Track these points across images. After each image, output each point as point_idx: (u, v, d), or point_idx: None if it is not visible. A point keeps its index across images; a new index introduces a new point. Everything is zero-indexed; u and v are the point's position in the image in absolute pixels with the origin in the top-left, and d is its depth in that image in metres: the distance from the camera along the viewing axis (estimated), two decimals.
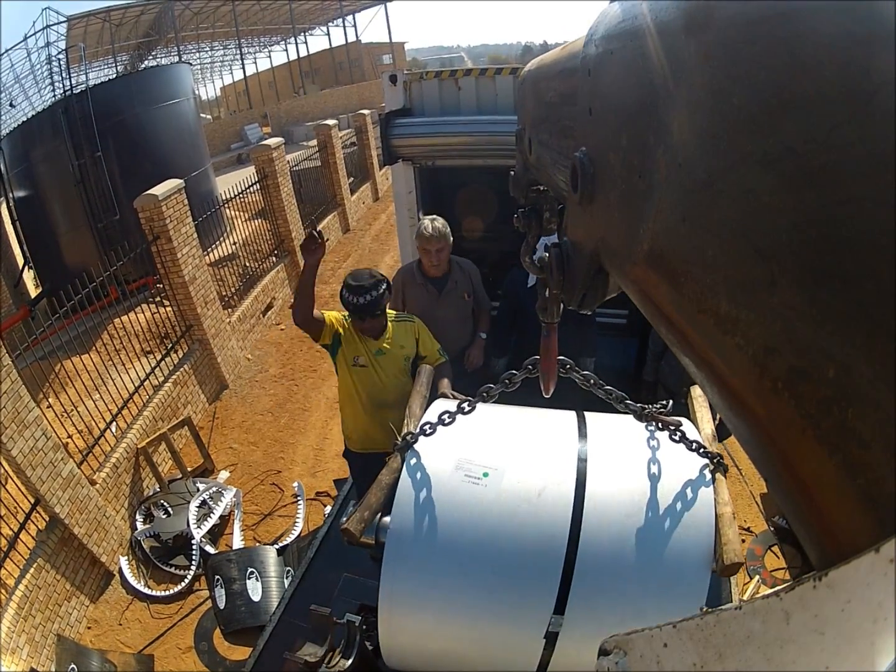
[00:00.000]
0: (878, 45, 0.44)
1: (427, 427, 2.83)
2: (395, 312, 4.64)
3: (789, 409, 0.56)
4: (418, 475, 2.73)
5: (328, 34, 52.95)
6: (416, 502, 2.65)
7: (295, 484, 7.75)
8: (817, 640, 0.50)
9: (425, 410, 3.28)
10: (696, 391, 3.43)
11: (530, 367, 2.67)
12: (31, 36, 26.66)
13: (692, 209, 0.68)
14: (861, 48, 0.46)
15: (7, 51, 26.98)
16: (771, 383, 0.58)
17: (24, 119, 17.58)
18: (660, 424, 2.78)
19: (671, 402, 2.97)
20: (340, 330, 4.42)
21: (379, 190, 21.37)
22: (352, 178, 19.07)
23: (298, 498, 7.51)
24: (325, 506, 7.42)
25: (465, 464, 2.73)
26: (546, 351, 2.31)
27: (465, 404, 2.81)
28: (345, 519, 2.66)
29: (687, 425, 2.90)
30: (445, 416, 2.81)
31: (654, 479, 2.62)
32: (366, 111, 20.99)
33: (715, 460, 2.67)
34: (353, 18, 52.77)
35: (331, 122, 17.65)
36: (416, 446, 2.83)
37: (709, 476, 2.62)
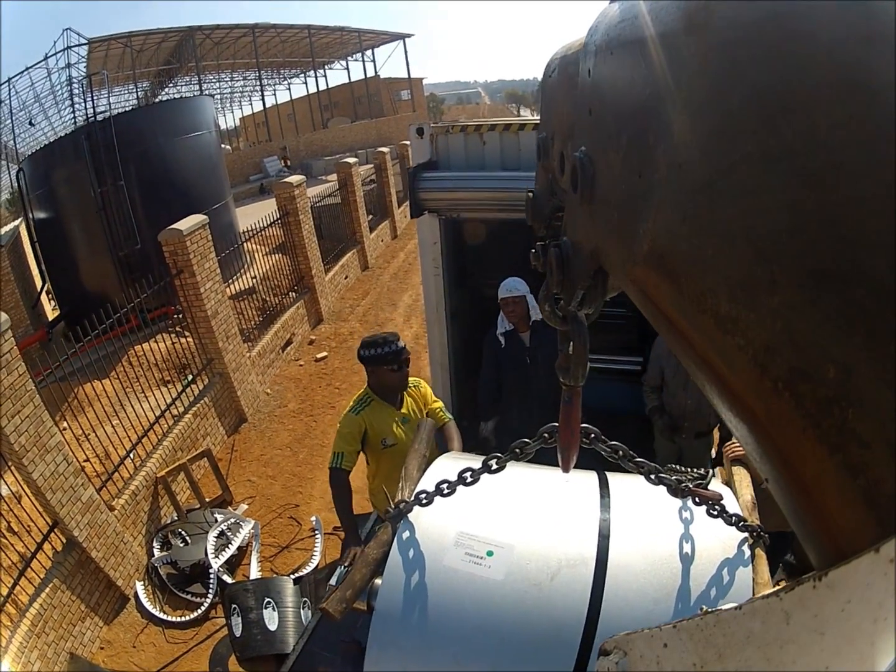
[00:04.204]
0: (879, 45, 0.45)
1: (423, 496, 2.49)
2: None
3: (789, 409, 0.57)
4: (411, 552, 2.43)
5: (347, 68, 53.60)
6: (407, 584, 2.36)
7: (313, 518, 7.76)
8: (817, 641, 0.51)
9: (424, 472, 2.93)
10: None
11: (546, 435, 2.25)
12: (51, 56, 26.82)
13: (692, 209, 0.69)
14: (861, 48, 0.47)
15: (27, 69, 27.14)
16: (771, 383, 0.59)
17: (44, 138, 17.74)
18: (698, 499, 2.38)
19: (711, 473, 2.64)
20: (364, 422, 4.37)
21: (397, 228, 21.45)
22: (371, 216, 19.12)
23: (316, 532, 7.53)
24: (342, 540, 7.26)
25: (467, 539, 2.42)
26: (567, 420, 1.86)
27: (467, 474, 2.44)
28: (324, 598, 2.44)
29: (726, 495, 2.57)
30: (444, 486, 2.47)
31: (687, 560, 2.28)
32: (385, 149, 21.18)
33: (755, 534, 2.35)
34: (373, 53, 53.47)
35: (351, 159, 17.72)
36: (410, 516, 2.54)
37: (748, 553, 2.32)
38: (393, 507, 2.57)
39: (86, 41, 28.17)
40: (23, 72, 27.03)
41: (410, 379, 4.53)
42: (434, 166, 5.74)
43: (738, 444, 2.78)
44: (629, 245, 0.83)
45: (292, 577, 6.39)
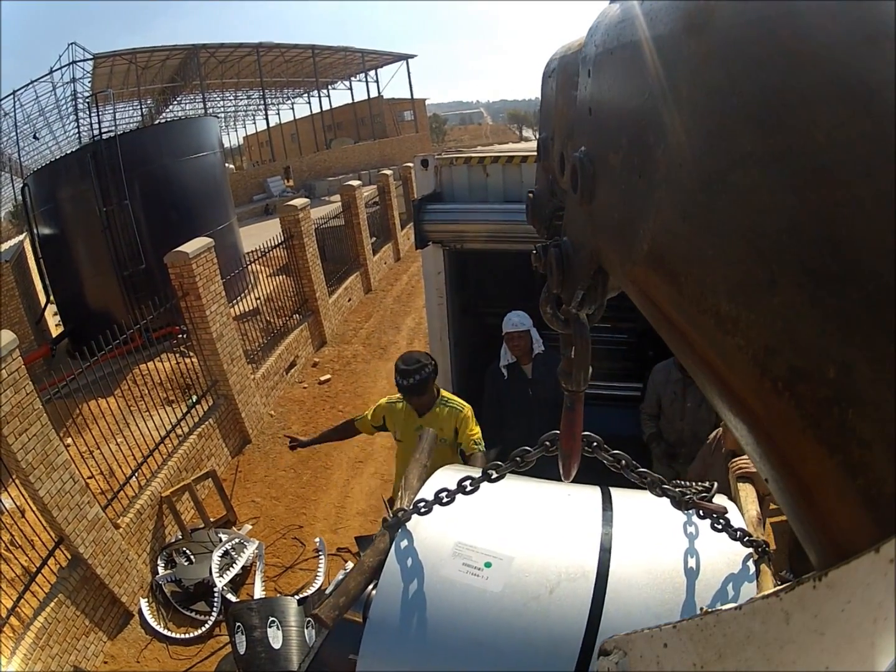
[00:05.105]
0: (878, 46, 0.46)
1: (421, 505, 2.40)
2: (452, 397, 4.77)
3: (789, 409, 0.57)
4: (408, 561, 2.36)
5: (350, 88, 53.78)
6: (402, 593, 2.29)
7: (317, 539, 7.76)
8: (817, 641, 0.51)
9: (424, 482, 2.83)
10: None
11: (548, 443, 2.16)
12: (56, 70, 26.88)
13: (692, 209, 0.68)
14: (861, 48, 0.47)
15: (32, 82, 27.17)
16: (771, 383, 0.59)
17: (48, 152, 17.64)
18: (702, 512, 2.30)
19: (715, 484, 2.56)
20: (386, 413, 4.78)
21: (400, 250, 21.34)
22: (374, 238, 18.98)
23: (320, 553, 7.54)
24: (345, 561, 7.41)
25: (465, 550, 2.34)
26: (569, 427, 1.88)
27: (466, 482, 2.35)
28: (317, 605, 2.32)
29: (731, 509, 2.48)
30: (443, 495, 2.39)
31: (691, 575, 2.20)
32: (388, 171, 21.07)
33: (760, 549, 2.26)
34: (376, 73, 53.64)
35: (355, 182, 17.63)
36: (408, 525, 2.45)
37: (752, 569, 2.23)
38: (391, 515, 2.49)
39: (91, 56, 28.26)
40: (27, 85, 27.13)
41: (459, 402, 4.71)
42: (438, 198, 5.80)
43: (744, 461, 2.80)
44: (629, 245, 0.84)
45: (296, 597, 6.41)
